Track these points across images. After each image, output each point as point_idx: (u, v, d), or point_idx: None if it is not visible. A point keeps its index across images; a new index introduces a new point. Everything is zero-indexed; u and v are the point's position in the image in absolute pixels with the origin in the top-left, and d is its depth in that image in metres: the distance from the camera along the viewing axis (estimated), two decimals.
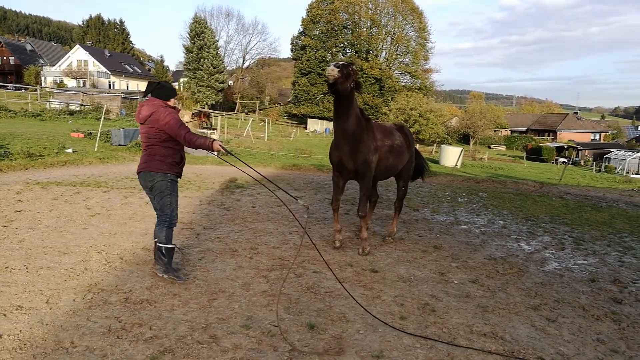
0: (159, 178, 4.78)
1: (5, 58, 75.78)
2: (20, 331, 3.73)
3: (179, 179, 5.04)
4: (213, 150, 4.77)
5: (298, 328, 4.10)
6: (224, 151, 4.82)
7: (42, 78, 64.75)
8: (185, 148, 5.14)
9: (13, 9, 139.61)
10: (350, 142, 6.01)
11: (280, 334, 3.90)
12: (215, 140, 4.78)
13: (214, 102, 62.26)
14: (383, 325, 4.25)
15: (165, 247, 4.86)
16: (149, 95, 4.89)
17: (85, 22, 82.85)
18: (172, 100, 4.97)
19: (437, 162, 31.40)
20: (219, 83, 62.05)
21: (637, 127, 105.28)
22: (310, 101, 58.30)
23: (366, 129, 6.13)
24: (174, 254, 5.09)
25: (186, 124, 4.74)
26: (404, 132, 7.00)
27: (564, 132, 71.00)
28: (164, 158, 4.79)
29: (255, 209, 8.73)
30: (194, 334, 3.87)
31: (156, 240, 4.92)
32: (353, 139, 6.00)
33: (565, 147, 56.79)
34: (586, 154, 57.21)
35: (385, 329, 4.18)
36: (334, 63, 5.55)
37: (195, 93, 60.71)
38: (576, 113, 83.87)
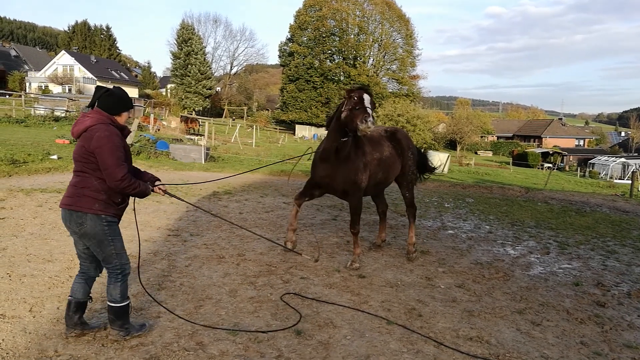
0: (89, 222, 3.57)
1: None
2: (3, 340, 3.67)
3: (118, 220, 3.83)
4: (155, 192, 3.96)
5: (285, 334, 4.09)
6: (166, 194, 4.00)
7: (27, 84, 63.89)
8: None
9: None
10: (339, 163, 5.59)
11: None
12: (156, 183, 3.94)
13: (201, 108, 62.04)
14: (370, 331, 4.27)
15: (121, 305, 3.77)
16: (95, 105, 3.69)
17: (71, 28, 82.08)
18: (125, 114, 3.77)
19: None
20: (207, 89, 61.92)
21: (620, 133, 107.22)
22: (298, 107, 58.40)
23: (353, 145, 5.67)
24: (129, 307, 3.92)
25: (125, 162, 3.62)
26: (396, 139, 6.49)
27: (549, 137, 72.05)
28: (96, 193, 3.58)
29: (243, 215, 8.70)
30: (180, 341, 3.85)
31: (71, 298, 3.83)
32: (343, 159, 5.59)
33: (551, 152, 57.56)
34: (571, 159, 58.03)
35: (373, 334, 4.20)
36: (370, 119, 5.04)
37: (182, 99, 60.47)
38: (561, 119, 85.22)
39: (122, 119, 3.76)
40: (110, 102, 3.67)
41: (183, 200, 4.63)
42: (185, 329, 4.05)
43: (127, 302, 3.83)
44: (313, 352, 3.83)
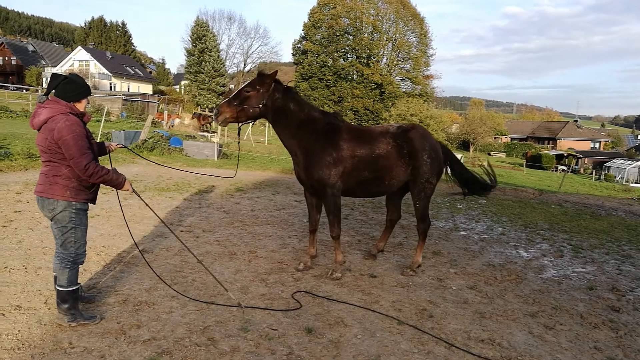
0: (60, 208, 3.75)
1: (7, 59, 75.79)
2: (19, 331, 3.73)
3: (90, 204, 4.02)
4: (121, 190, 3.94)
5: (296, 332, 4.10)
6: (133, 192, 4.04)
7: (44, 79, 64.62)
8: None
9: (15, 10, 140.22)
10: (302, 156, 5.26)
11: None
12: (127, 179, 3.95)
13: (214, 105, 62.32)
14: (381, 330, 4.26)
15: (67, 290, 3.85)
16: (52, 94, 3.79)
17: (87, 24, 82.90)
18: (84, 101, 3.88)
19: None
20: (220, 86, 62.18)
21: (637, 136, 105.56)
22: None
23: (324, 138, 5.25)
24: (78, 294, 4.02)
25: (89, 149, 3.74)
26: (406, 138, 5.59)
27: (564, 140, 71.18)
28: (67, 181, 3.73)
29: (255, 213, 8.74)
30: (192, 336, 3.87)
31: (55, 274, 3.92)
32: (304, 151, 5.24)
33: (565, 155, 56.88)
34: (586, 162, 57.28)
35: (384, 334, 4.19)
36: (214, 112, 5.05)
37: (196, 96, 60.82)
38: (576, 121, 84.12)
39: (81, 105, 3.86)
40: (70, 89, 3.77)
41: (143, 202, 4.63)
42: (197, 325, 4.08)
43: (74, 287, 3.90)
44: (324, 350, 3.83)
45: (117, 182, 3.85)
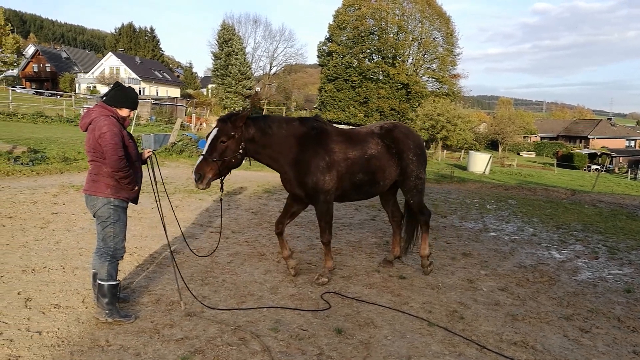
0: (100, 204, 4.01)
1: (41, 66, 78.49)
2: (59, 329, 3.86)
3: (131, 204, 4.29)
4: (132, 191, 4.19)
5: (326, 332, 4.12)
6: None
7: (77, 85, 66.71)
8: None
9: (49, 18, 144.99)
10: (293, 168, 5.07)
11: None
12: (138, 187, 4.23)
13: (241, 108, 63.00)
14: (411, 332, 4.23)
15: (107, 284, 4.05)
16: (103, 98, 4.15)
17: (117, 30, 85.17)
18: (126, 110, 4.17)
19: (465, 168, 31.01)
20: (246, 89, 62.82)
21: None
22: (336, 107, 58.44)
23: (314, 144, 5.08)
24: (118, 291, 4.19)
25: (123, 147, 3.98)
26: (392, 138, 5.56)
27: (597, 138, 69.19)
28: (108, 179, 4.00)
29: None
30: (223, 336, 3.93)
31: (94, 271, 4.13)
32: (294, 164, 5.05)
33: (599, 154, 55.28)
34: (620, 161, 55.53)
35: (414, 335, 4.16)
36: (194, 177, 4.65)
37: (223, 99, 61.62)
38: (610, 119, 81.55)
39: (123, 112, 4.16)
40: (117, 95, 4.13)
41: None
42: (229, 324, 4.14)
43: (114, 283, 4.10)
44: (354, 351, 3.83)
45: (131, 184, 4.10)
